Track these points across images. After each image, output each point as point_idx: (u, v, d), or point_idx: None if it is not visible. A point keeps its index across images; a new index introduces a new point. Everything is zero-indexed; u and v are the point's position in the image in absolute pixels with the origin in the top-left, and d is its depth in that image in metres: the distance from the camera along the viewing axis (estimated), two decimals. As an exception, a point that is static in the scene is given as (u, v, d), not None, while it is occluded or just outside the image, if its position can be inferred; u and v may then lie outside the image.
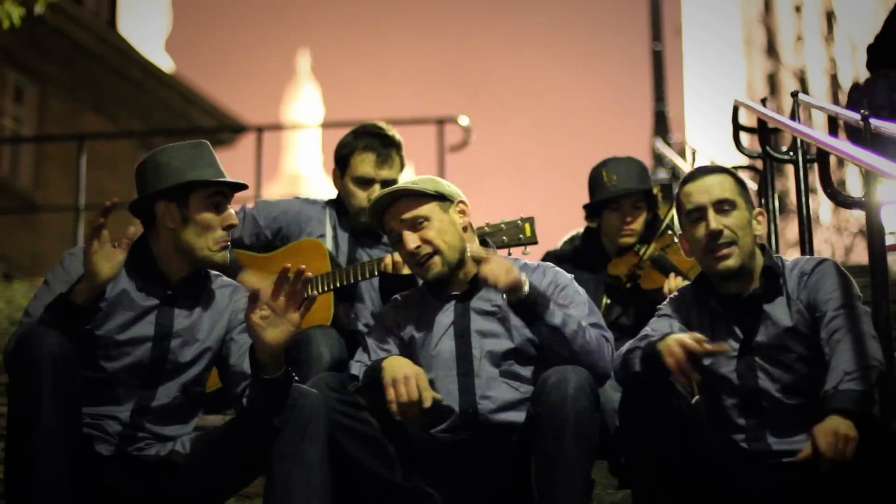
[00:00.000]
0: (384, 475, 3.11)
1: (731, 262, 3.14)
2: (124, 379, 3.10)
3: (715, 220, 3.15)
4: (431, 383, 3.20)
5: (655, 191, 4.52)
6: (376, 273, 3.92)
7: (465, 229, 3.33)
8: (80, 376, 2.96)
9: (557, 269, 3.37)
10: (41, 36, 15.78)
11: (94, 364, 3.08)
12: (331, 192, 4.31)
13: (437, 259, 3.27)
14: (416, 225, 3.28)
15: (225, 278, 3.34)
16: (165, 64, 20.32)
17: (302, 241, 4.14)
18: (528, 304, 3.12)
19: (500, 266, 3.12)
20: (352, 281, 3.95)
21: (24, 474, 2.85)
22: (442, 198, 3.31)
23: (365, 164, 4.10)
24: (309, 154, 49.80)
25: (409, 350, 3.33)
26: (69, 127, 16.10)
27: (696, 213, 3.19)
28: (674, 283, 4.14)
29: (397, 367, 3.13)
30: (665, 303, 3.30)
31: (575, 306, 3.25)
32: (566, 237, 4.73)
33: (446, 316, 3.32)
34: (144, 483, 3.06)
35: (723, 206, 3.17)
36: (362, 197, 4.10)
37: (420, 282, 3.51)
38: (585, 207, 4.52)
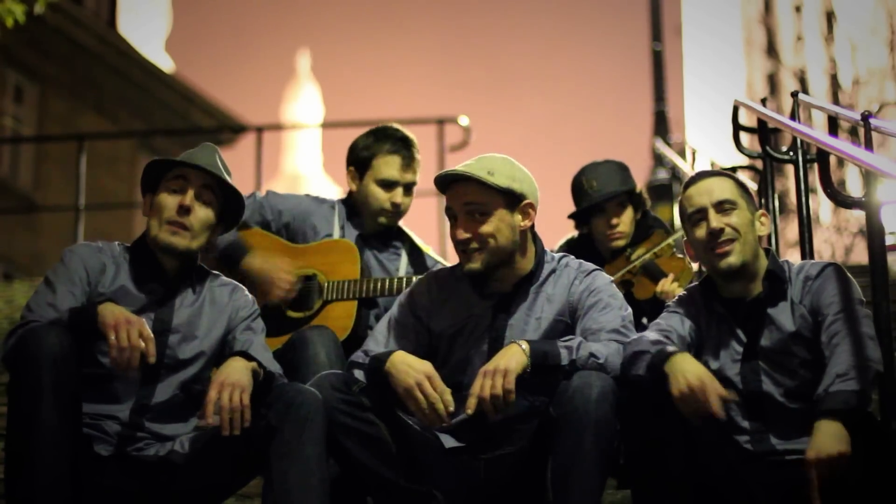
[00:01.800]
0: (388, 476, 3.08)
1: (732, 259, 3.14)
2: (123, 375, 3.10)
3: (716, 220, 3.15)
4: (458, 385, 3.16)
5: (639, 188, 4.52)
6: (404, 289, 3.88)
7: (523, 232, 3.24)
8: (80, 376, 2.96)
9: (598, 273, 3.28)
10: (41, 36, 15.78)
11: (93, 360, 3.08)
12: (332, 192, 4.30)
13: (478, 255, 3.20)
14: (474, 214, 3.21)
15: (224, 277, 3.34)
16: (165, 64, 20.34)
17: (338, 242, 4.10)
18: (537, 371, 3.02)
19: (485, 387, 2.97)
20: (377, 294, 3.95)
21: (24, 474, 2.85)
22: (512, 197, 3.22)
23: (391, 167, 4.12)
24: (309, 154, 49.80)
25: (434, 345, 3.29)
26: (69, 127, 16.12)
27: (698, 214, 3.19)
28: (668, 287, 4.18)
29: (410, 368, 3.06)
30: (675, 300, 3.30)
31: (604, 311, 3.18)
32: (562, 241, 4.72)
33: (483, 318, 3.26)
34: (143, 483, 3.06)
35: (723, 205, 3.17)
36: (385, 198, 4.12)
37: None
38: (572, 217, 4.53)
